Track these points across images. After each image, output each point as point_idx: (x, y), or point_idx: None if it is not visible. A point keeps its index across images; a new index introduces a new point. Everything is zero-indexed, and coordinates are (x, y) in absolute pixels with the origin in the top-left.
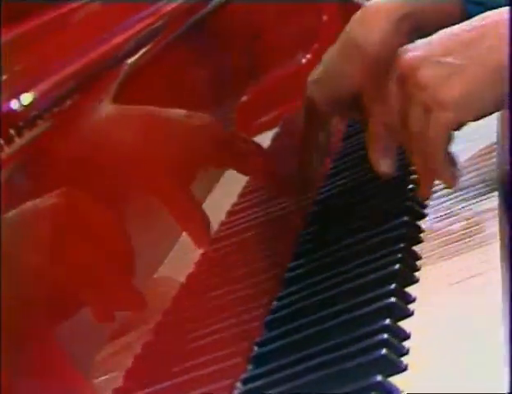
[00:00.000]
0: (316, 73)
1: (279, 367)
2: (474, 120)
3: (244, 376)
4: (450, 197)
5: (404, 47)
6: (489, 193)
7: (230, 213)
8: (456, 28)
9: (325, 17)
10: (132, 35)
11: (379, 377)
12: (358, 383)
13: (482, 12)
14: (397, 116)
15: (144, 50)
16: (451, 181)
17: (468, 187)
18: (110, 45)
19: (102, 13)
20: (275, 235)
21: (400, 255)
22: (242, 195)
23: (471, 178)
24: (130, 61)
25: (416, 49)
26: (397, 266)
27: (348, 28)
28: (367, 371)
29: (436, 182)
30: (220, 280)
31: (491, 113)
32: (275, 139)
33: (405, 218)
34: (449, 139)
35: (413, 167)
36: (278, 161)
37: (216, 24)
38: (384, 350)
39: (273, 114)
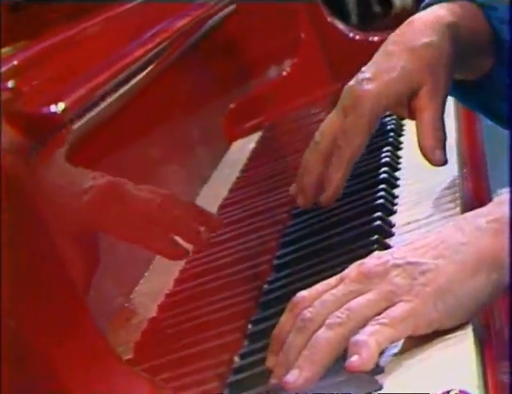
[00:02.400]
0: (367, 72)
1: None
2: None
3: (241, 351)
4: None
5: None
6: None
7: (221, 207)
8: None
9: (303, 35)
10: (137, 57)
11: None
12: None
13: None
14: None
15: (151, 67)
16: None
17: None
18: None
19: (115, 31)
20: (264, 226)
21: (375, 246)
22: (232, 191)
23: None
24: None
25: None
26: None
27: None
28: None
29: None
30: (217, 265)
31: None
32: (260, 142)
33: (378, 214)
34: None
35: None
36: (262, 161)
37: (210, 45)
38: None
39: (256, 121)
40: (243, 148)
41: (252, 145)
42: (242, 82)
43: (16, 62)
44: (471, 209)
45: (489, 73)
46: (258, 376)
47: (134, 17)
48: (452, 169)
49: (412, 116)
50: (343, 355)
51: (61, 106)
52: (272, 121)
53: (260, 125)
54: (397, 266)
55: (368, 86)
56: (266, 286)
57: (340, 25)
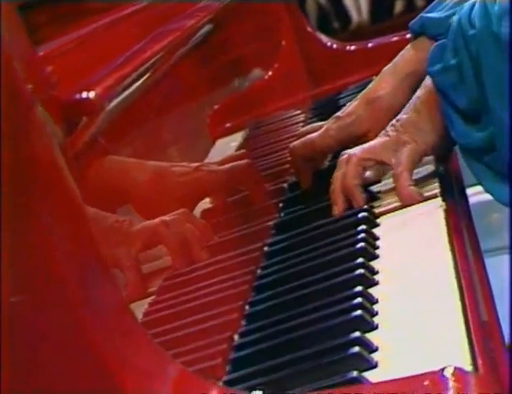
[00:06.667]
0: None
1: (268, 324)
2: None
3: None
4: None
5: None
6: None
7: None
8: None
9: (284, 42)
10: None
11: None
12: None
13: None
14: None
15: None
16: None
17: None
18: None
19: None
20: (256, 215)
21: (362, 235)
22: None
23: None
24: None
25: None
26: (361, 244)
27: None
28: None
29: None
30: (215, 250)
31: None
32: (246, 139)
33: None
34: None
35: None
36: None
37: (198, 51)
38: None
39: (240, 120)
40: (225, 146)
41: (234, 144)
42: (226, 85)
43: (43, 52)
44: None
45: None
46: (257, 353)
47: (144, 18)
48: None
49: None
50: None
51: (92, 93)
52: (256, 121)
53: (241, 126)
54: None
55: (332, 126)
56: (259, 271)
57: (319, 35)
